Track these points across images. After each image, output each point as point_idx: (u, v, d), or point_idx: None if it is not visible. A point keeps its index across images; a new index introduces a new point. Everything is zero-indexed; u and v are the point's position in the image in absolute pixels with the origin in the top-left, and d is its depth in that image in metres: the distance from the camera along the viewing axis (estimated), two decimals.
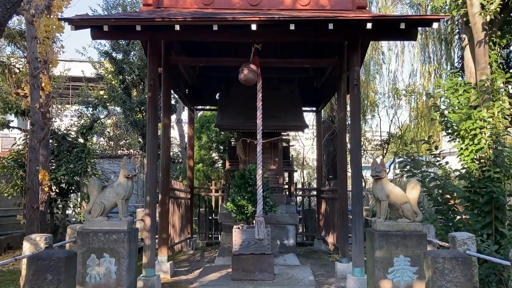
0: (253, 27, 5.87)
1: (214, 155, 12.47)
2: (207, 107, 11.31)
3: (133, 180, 5.39)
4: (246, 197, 7.17)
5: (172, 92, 9.35)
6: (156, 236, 7.11)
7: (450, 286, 3.88)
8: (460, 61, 10.89)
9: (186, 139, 12.88)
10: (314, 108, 10.59)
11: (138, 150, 16.04)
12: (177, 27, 5.88)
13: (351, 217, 6.95)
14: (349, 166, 7.45)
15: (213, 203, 10.86)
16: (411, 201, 5.01)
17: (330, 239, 8.86)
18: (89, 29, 6.26)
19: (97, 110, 14.25)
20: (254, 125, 7.78)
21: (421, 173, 8.50)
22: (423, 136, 13.08)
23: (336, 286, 6.76)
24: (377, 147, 14.55)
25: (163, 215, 7.41)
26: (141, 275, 6.36)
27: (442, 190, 7.67)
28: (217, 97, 10.19)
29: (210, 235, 10.85)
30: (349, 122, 9.13)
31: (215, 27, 5.91)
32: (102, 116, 14.93)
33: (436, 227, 7.06)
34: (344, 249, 7.24)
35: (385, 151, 13.73)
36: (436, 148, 9.24)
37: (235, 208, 7.20)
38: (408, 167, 8.65)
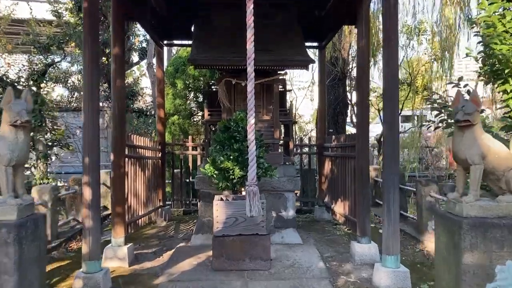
0: None
1: (192, 105, 10.32)
2: (181, 42, 9.01)
3: (28, 131, 3.28)
4: (231, 157, 5.16)
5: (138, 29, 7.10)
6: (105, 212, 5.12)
7: None
8: None
9: None
10: (315, 44, 8.43)
11: (104, 102, 13.81)
12: None
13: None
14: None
15: (190, 163, 8.85)
16: None
17: (339, 208, 6.98)
18: None
19: (50, 52, 11.84)
20: (241, 60, 5.75)
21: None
22: (438, 81, 11.15)
23: (356, 278, 4.91)
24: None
25: (117, 182, 5.38)
26: (80, 270, 4.40)
27: None
28: (192, 29, 7.95)
29: (187, 202, 8.91)
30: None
31: None
32: (57, 59, 12.55)
33: None
34: (364, 226, 5.37)
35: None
36: (469, 92, 7.34)
37: (216, 172, 5.21)
38: (441, 116, 6.78)
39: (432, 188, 6.40)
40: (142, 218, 6.91)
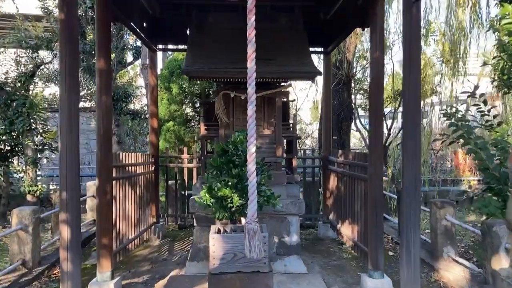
0: None
1: (188, 110, 9.76)
2: (174, 46, 8.43)
3: None
4: (229, 184, 4.63)
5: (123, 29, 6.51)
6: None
7: None
8: None
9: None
10: (320, 49, 7.85)
11: (94, 104, 13.22)
12: None
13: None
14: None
15: (186, 176, 8.30)
16: None
17: (346, 230, 6.47)
18: None
19: (38, 52, 11.24)
20: (241, 72, 5.22)
21: (474, 139, 6.19)
22: (448, 82, 10.59)
23: None
24: (388, 99, 12.02)
25: (103, 211, 4.83)
26: None
27: None
28: (188, 32, 7.39)
29: (182, 215, 8.36)
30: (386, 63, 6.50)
31: None
32: (47, 60, 11.93)
33: None
34: (376, 259, 4.85)
35: (397, 105, 11.16)
36: (486, 103, 6.83)
37: (213, 201, 4.67)
38: (459, 132, 6.30)
39: (448, 211, 5.89)
40: (133, 241, 6.39)
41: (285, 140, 6.47)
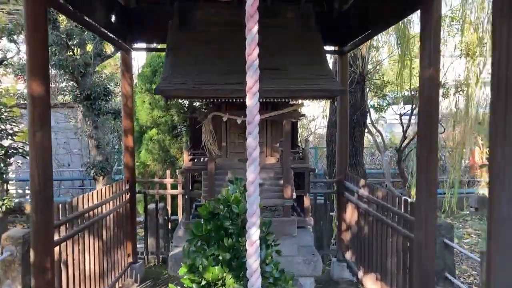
0: None
1: (174, 116, 8.24)
2: (152, 45, 6.94)
3: None
4: (221, 260, 3.21)
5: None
6: None
7: None
8: None
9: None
10: (334, 48, 6.33)
11: (71, 100, 11.73)
12: None
13: None
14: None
15: (169, 206, 6.88)
16: None
17: (372, 285, 5.08)
18: None
19: None
20: (236, 89, 3.86)
21: None
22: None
23: None
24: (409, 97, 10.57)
25: None
26: None
27: None
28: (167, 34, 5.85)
29: (165, 246, 6.94)
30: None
31: None
32: (11, 54, 10.34)
33: None
34: None
35: (414, 106, 9.64)
36: None
37: (196, 286, 3.24)
38: None
39: None
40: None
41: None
